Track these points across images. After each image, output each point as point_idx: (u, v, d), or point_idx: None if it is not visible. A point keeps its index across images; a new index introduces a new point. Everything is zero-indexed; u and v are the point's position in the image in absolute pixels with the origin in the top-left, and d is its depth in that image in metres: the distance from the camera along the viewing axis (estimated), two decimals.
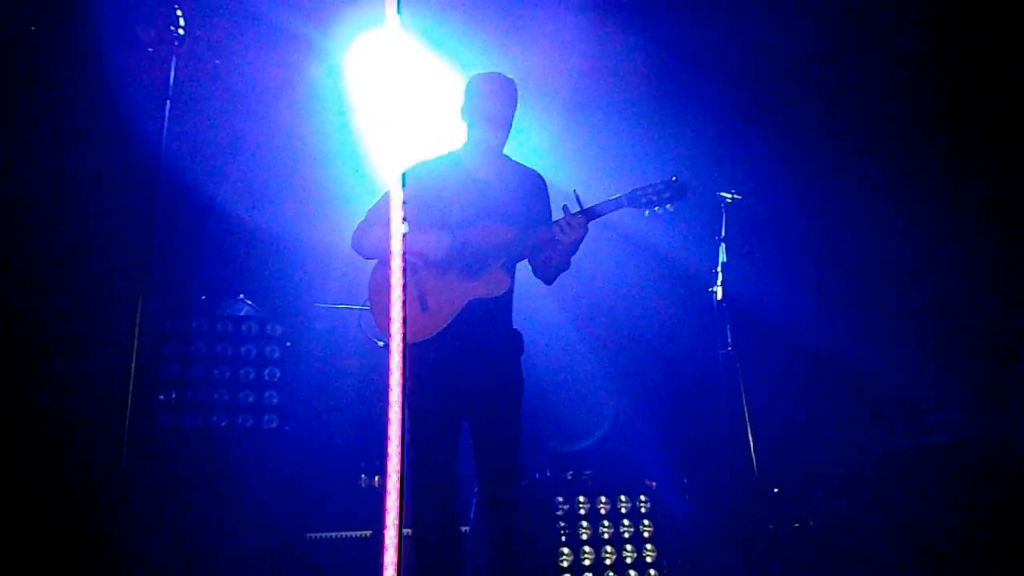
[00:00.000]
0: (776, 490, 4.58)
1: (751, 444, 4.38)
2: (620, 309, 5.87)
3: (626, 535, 4.40)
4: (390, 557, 1.43)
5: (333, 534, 4.16)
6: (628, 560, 4.34)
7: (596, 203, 3.14)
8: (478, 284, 3.13)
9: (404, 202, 1.68)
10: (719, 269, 4.60)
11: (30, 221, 4.25)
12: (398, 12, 1.74)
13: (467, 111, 3.36)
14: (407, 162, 3.22)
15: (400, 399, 1.52)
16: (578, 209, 3.13)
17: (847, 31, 5.27)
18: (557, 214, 3.23)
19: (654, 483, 4.63)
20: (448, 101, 3.50)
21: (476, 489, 3.18)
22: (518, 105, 3.35)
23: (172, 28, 3.20)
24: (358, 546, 4.33)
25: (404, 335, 1.55)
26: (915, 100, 5.32)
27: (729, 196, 4.65)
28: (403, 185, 1.70)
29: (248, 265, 5.30)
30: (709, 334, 4.71)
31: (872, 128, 5.50)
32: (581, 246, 3.21)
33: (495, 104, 3.29)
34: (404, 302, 1.60)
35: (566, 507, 4.37)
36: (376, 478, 4.66)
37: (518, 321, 3.32)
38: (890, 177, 5.45)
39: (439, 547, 3.00)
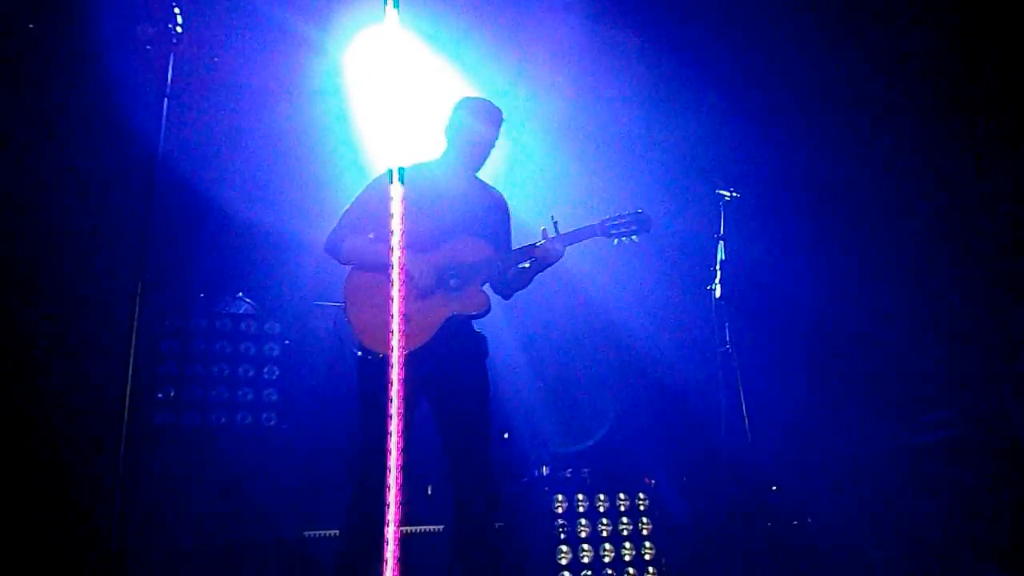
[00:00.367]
0: (775, 488, 4.59)
1: (749, 442, 4.39)
2: (619, 308, 5.87)
3: (625, 533, 4.40)
4: (390, 551, 1.43)
5: (332, 532, 4.15)
6: (627, 558, 4.34)
7: (572, 230, 3.32)
8: (458, 302, 3.19)
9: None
10: (718, 267, 4.61)
11: (27, 218, 4.25)
12: (396, 8, 1.73)
13: (451, 131, 3.41)
14: (380, 171, 3.27)
15: (400, 399, 1.53)
16: (555, 234, 3.26)
17: (846, 30, 5.27)
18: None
19: (653, 481, 4.63)
20: (447, 101, 3.49)
21: (453, 489, 3.19)
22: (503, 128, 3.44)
23: (170, 26, 3.20)
24: None
25: (403, 335, 1.55)
26: (914, 99, 5.32)
27: (728, 194, 4.67)
28: (403, 186, 1.70)
29: (247, 263, 5.29)
30: (708, 332, 4.72)
31: (872, 127, 5.51)
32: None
33: (480, 130, 3.36)
34: (403, 313, 1.61)
35: (565, 505, 4.37)
36: None
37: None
38: (890, 176, 5.46)
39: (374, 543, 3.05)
